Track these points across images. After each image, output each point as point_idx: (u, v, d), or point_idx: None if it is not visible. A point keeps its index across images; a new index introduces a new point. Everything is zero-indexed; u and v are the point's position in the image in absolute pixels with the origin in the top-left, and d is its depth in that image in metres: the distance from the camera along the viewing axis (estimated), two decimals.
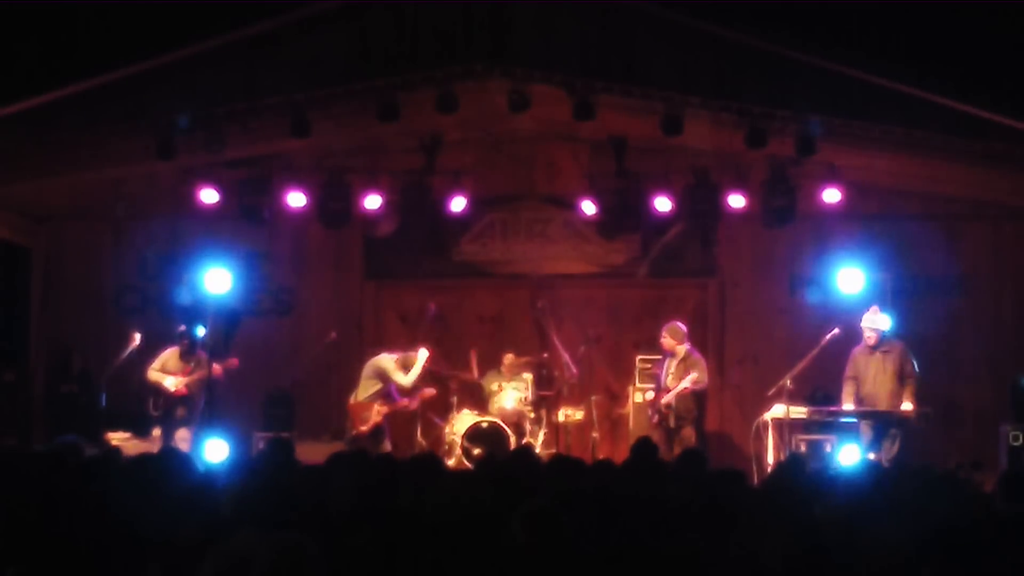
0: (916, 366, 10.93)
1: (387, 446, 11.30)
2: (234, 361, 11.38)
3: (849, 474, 7.06)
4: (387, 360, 11.51)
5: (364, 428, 11.27)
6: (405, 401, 11.60)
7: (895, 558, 4.06)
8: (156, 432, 10.95)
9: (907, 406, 10.75)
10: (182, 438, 10.88)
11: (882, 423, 10.75)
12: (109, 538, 4.26)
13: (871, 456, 10.40)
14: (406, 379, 11.39)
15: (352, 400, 11.51)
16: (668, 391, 11.37)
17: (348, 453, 6.66)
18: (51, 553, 4.17)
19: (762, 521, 4.08)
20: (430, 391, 11.78)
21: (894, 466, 9.78)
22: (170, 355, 11.10)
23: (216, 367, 11.05)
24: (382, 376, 11.43)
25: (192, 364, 11.07)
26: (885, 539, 4.23)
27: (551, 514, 3.66)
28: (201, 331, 11.30)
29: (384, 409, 11.40)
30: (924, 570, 3.85)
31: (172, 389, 10.94)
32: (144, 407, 11.01)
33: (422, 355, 11.48)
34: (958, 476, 6.69)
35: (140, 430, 11.06)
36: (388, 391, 11.48)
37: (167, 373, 11.02)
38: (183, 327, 11.19)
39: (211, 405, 11.21)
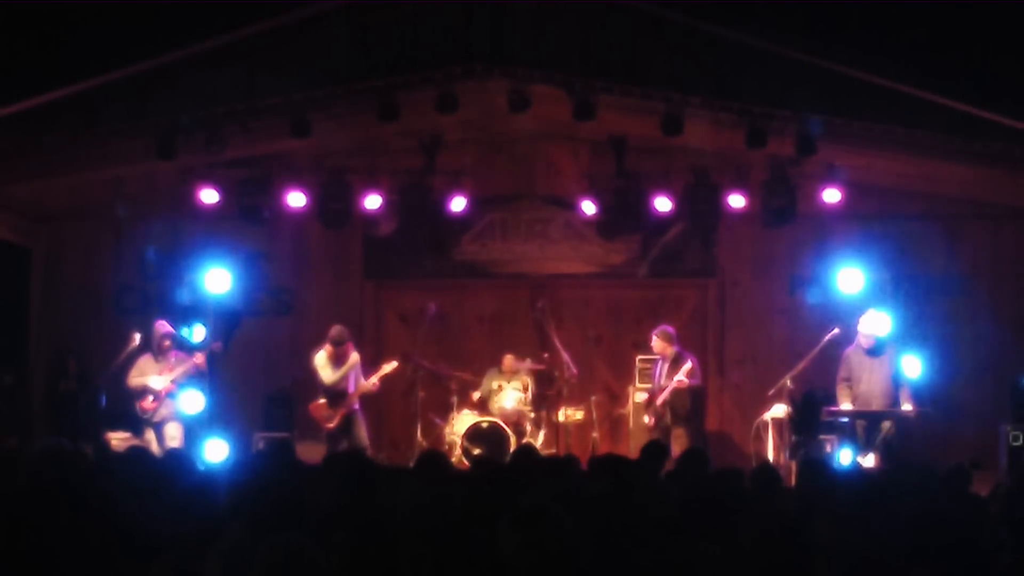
0: (910, 369, 10.98)
1: (363, 437, 11.14)
2: (216, 345, 11.39)
3: (846, 475, 7.07)
4: (316, 357, 11.33)
5: (330, 425, 11.18)
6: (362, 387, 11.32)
7: (890, 558, 4.07)
8: (149, 434, 10.94)
9: (907, 407, 10.77)
10: (171, 436, 10.88)
11: (877, 423, 10.76)
12: (110, 539, 4.26)
13: (867, 456, 10.42)
14: (330, 376, 11.14)
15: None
16: (662, 391, 11.46)
17: (343, 454, 6.68)
18: (52, 554, 4.16)
19: (758, 522, 4.08)
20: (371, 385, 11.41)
21: (891, 466, 9.80)
22: (146, 362, 11.07)
23: (198, 355, 11.06)
24: (314, 372, 11.32)
25: (172, 362, 11.07)
26: (880, 539, 4.24)
27: (543, 514, 3.66)
28: (197, 332, 11.32)
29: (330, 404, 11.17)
30: (918, 570, 3.86)
31: (160, 388, 10.93)
32: (135, 410, 11.01)
33: (389, 366, 11.43)
34: (958, 475, 6.68)
35: (139, 430, 11.07)
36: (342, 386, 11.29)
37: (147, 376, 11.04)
38: (158, 328, 11.17)
39: (212, 404, 11.23)
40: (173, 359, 11.07)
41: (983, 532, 4.70)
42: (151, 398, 10.92)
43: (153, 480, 5.44)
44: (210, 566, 3.71)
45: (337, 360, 11.22)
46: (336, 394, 11.20)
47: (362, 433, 11.21)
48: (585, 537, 3.93)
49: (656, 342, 11.64)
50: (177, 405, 10.99)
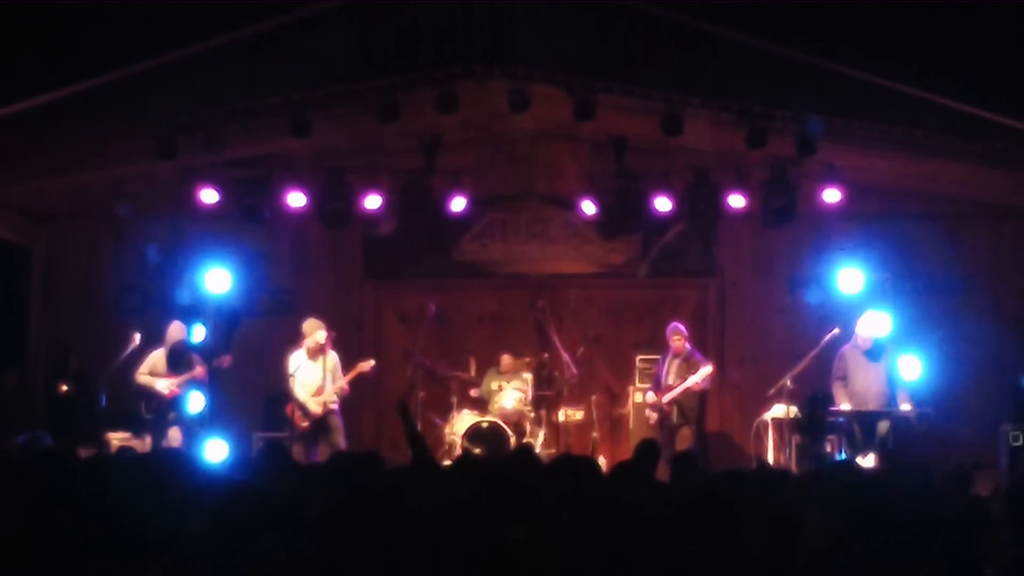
0: (907, 369, 11.00)
1: (338, 441, 11.08)
2: (226, 359, 11.38)
3: (845, 475, 7.05)
4: (292, 357, 11.33)
5: (304, 425, 11.15)
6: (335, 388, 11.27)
7: (890, 558, 4.06)
8: (148, 435, 10.94)
9: (905, 407, 10.77)
10: (172, 438, 10.88)
11: (875, 423, 10.76)
12: (109, 538, 4.26)
13: (866, 456, 10.42)
14: (296, 392, 11.17)
15: None
16: (670, 389, 11.47)
17: (344, 455, 6.68)
18: (50, 553, 4.16)
19: (756, 523, 4.08)
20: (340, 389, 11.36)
21: (890, 466, 9.80)
22: (158, 358, 11.07)
23: (199, 369, 11.04)
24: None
25: (182, 367, 11.07)
26: (880, 539, 4.24)
27: (547, 516, 3.66)
28: (197, 332, 11.32)
29: (318, 402, 11.15)
30: (918, 570, 3.86)
31: (165, 392, 10.93)
32: (138, 409, 11.01)
33: (364, 365, 11.37)
34: (958, 476, 6.68)
35: (139, 430, 11.07)
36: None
37: (156, 376, 11.03)
38: (175, 331, 11.16)
39: (213, 405, 11.23)
40: (183, 362, 11.09)
41: (983, 532, 4.70)
42: (155, 401, 10.94)
43: (153, 480, 5.44)
44: (208, 567, 3.71)
45: (314, 357, 11.20)
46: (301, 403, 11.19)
47: (339, 437, 11.16)
48: (585, 536, 3.93)
49: (677, 339, 11.67)
50: (180, 408, 10.98)
